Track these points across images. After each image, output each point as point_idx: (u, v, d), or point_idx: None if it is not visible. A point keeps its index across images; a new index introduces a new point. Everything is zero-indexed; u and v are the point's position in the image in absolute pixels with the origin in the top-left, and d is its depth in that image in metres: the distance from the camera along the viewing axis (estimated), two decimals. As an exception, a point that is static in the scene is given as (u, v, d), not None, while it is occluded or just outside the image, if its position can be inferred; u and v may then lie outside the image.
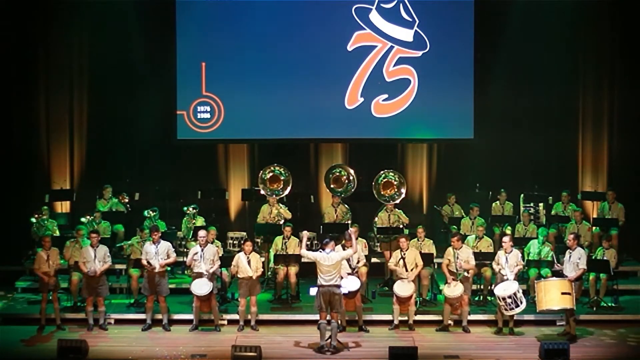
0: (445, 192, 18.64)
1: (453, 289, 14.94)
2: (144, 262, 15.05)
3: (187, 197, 18.07)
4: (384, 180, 17.33)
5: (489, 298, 15.85)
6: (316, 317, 14.23)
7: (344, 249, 14.94)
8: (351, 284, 14.74)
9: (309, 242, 15.45)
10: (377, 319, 15.36)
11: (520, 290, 14.74)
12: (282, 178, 17.47)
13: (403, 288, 15.02)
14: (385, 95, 18.75)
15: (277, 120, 18.79)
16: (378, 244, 17.29)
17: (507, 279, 14.86)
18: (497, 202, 18.22)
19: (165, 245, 15.20)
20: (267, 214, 17.18)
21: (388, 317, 15.28)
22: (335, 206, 17.45)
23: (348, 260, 14.86)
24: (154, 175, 18.81)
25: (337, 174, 17.78)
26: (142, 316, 15.33)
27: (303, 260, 14.90)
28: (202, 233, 15.29)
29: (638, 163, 18.71)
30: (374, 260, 16.83)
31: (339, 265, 14.04)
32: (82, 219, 16.96)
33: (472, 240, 16.09)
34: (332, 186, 17.70)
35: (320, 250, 14.13)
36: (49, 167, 19.00)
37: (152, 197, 18.24)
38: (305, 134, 18.98)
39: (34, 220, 17.04)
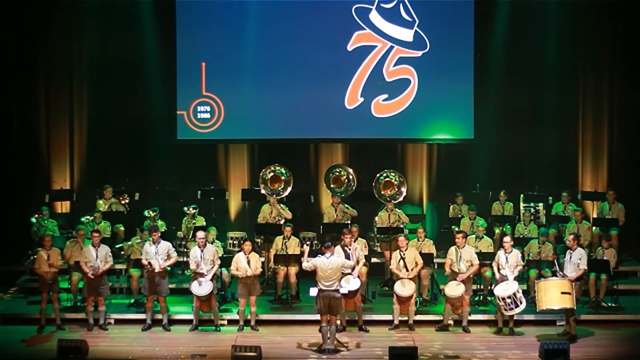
0: (445, 192, 18.66)
1: (454, 289, 14.94)
2: (144, 262, 15.06)
3: (187, 197, 18.08)
4: (384, 180, 17.32)
5: (489, 298, 15.85)
6: (316, 317, 14.24)
7: (342, 249, 14.97)
8: (351, 283, 14.73)
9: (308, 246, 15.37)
10: (377, 319, 15.36)
11: (520, 291, 14.74)
12: (283, 178, 17.45)
13: (403, 288, 15.02)
14: (385, 95, 18.75)
15: (277, 120, 18.79)
16: (378, 244, 17.30)
17: (507, 279, 14.87)
18: (498, 202, 18.21)
19: (165, 245, 15.20)
20: (267, 213, 17.17)
21: (388, 317, 15.28)
22: (335, 206, 17.44)
23: (347, 258, 14.87)
24: (154, 175, 18.82)
25: (337, 173, 17.77)
26: (142, 316, 15.33)
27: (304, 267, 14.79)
28: (200, 234, 15.26)
29: (638, 163, 18.71)
30: (374, 260, 16.81)
31: (339, 271, 14.02)
32: (82, 219, 16.97)
33: (472, 241, 16.09)
34: (332, 186, 17.69)
35: (320, 255, 14.12)
36: (49, 167, 18.99)
37: (152, 197, 18.24)
38: (305, 134, 18.97)
39: (34, 220, 17.05)
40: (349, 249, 15.11)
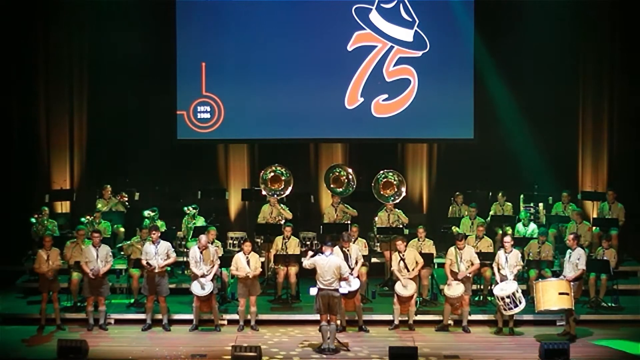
0: (446, 192, 18.65)
1: (454, 289, 14.94)
2: (144, 262, 15.05)
3: (187, 197, 18.08)
4: (384, 180, 17.31)
5: (489, 298, 15.85)
6: (316, 317, 14.24)
7: (341, 249, 14.99)
8: (351, 283, 14.72)
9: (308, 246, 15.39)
10: (377, 319, 15.36)
11: (520, 290, 14.75)
12: (283, 178, 17.45)
13: (404, 288, 15.02)
14: (385, 95, 18.76)
15: (277, 120, 18.80)
16: (378, 244, 17.30)
17: (507, 279, 14.87)
18: (497, 202, 18.21)
19: (165, 245, 15.20)
20: (267, 214, 17.17)
21: (388, 317, 15.28)
22: (335, 206, 17.43)
23: (346, 260, 14.89)
24: (154, 175, 18.82)
25: (337, 173, 17.77)
26: (142, 316, 15.34)
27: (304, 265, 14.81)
28: (203, 238, 15.20)
29: (638, 163, 18.71)
30: (374, 260, 16.82)
31: (339, 270, 14.02)
32: (82, 219, 16.96)
33: (472, 241, 16.09)
34: (332, 186, 17.69)
35: (319, 253, 14.12)
36: (49, 167, 18.99)
37: (152, 197, 18.24)
38: (305, 134, 18.99)
39: (34, 220, 17.05)
40: (347, 250, 15.13)
